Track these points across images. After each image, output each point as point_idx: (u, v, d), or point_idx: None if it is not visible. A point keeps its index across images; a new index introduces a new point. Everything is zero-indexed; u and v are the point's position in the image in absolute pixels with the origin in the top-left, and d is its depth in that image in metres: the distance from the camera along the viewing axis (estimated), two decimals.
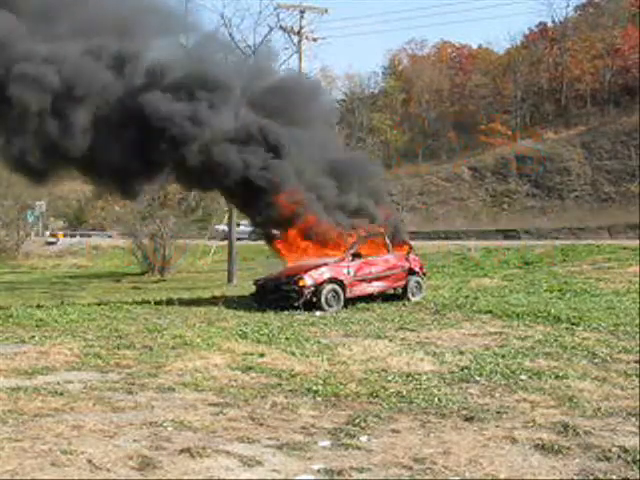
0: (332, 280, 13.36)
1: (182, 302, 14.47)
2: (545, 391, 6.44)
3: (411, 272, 14.80)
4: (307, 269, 13.53)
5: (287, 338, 9.47)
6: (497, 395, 6.36)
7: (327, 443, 4.98)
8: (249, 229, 27.97)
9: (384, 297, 14.29)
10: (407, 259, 15.02)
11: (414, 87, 58.80)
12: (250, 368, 7.54)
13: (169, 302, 14.26)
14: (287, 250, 15.10)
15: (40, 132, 13.31)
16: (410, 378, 7.00)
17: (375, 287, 14.21)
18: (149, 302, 14.22)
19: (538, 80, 53.53)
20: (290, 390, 6.59)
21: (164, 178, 16.50)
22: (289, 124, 15.00)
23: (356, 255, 14.14)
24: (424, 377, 7.03)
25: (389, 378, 7.02)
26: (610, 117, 47.53)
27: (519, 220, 40.84)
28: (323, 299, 13.08)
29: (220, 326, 10.70)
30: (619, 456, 4.63)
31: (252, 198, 14.89)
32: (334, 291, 13.30)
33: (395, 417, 5.67)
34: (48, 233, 46.04)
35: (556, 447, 4.81)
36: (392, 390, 6.49)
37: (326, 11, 27.11)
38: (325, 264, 13.79)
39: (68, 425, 5.33)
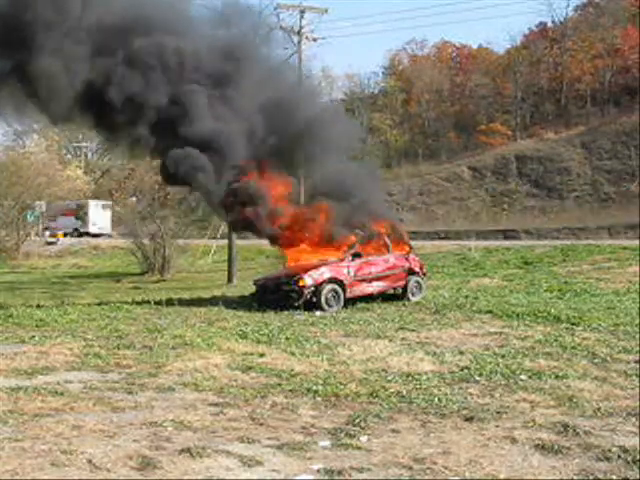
0: (332, 280, 13.36)
1: (182, 302, 14.47)
2: (545, 391, 6.44)
3: (411, 272, 14.80)
4: (307, 269, 13.54)
5: (287, 338, 9.47)
6: (497, 395, 6.36)
7: (327, 443, 4.99)
8: None
9: (384, 297, 14.29)
10: (407, 259, 15.02)
11: (414, 87, 58.74)
12: (250, 368, 7.54)
13: (169, 302, 14.25)
14: (292, 249, 15.06)
15: None
16: (410, 378, 7.00)
17: (375, 287, 14.21)
18: (149, 302, 14.22)
19: (538, 80, 53.50)
20: (290, 390, 6.60)
21: None
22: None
23: (356, 255, 14.14)
24: (424, 377, 7.03)
25: (389, 378, 7.02)
26: (610, 117, 47.49)
27: (519, 220, 40.81)
28: (323, 299, 13.08)
29: (220, 326, 10.70)
30: (619, 456, 4.63)
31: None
32: (334, 291, 13.30)
33: (395, 417, 5.67)
34: (48, 233, 46.02)
35: (556, 447, 4.82)
36: (392, 390, 6.49)
37: (326, 11, 27.10)
38: (325, 264, 13.80)
39: (68, 425, 5.34)
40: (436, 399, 6.16)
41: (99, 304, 14.42)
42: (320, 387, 6.63)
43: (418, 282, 14.91)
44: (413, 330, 10.25)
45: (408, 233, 17.80)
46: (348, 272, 13.72)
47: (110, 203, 44.45)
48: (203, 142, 13.71)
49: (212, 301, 14.55)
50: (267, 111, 14.39)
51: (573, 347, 8.61)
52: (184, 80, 13.90)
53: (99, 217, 44.89)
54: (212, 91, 14.13)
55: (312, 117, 14.60)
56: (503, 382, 6.85)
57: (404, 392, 6.42)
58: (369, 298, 13.97)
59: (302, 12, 26.25)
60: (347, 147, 15.98)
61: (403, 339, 9.44)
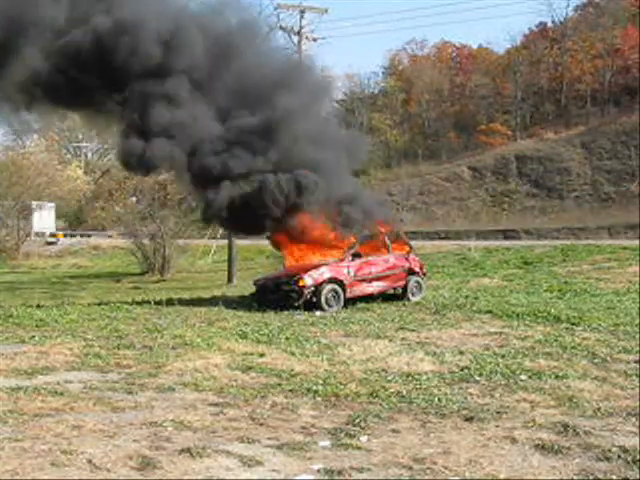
0: (332, 280, 13.36)
1: (182, 302, 14.48)
2: (545, 391, 6.44)
3: (411, 272, 14.80)
4: (307, 269, 13.54)
5: (287, 338, 9.47)
6: (497, 395, 6.36)
7: (327, 443, 4.98)
8: None
9: (384, 297, 14.29)
10: (407, 259, 15.02)
11: (414, 87, 58.71)
12: (250, 368, 7.54)
13: (169, 302, 14.25)
14: (290, 246, 14.99)
15: None
16: (410, 378, 7.00)
17: (375, 287, 14.21)
18: (149, 302, 14.21)
19: (538, 80, 53.47)
20: (290, 390, 6.59)
21: None
22: None
23: (356, 255, 14.14)
24: (424, 377, 7.03)
25: (389, 378, 7.02)
26: (610, 117, 47.47)
27: (519, 220, 40.82)
28: (323, 299, 13.08)
29: (220, 326, 10.70)
30: (619, 456, 4.63)
31: None
32: (334, 291, 13.30)
33: (395, 417, 5.67)
34: (48, 233, 46.07)
35: (556, 447, 4.81)
36: (392, 390, 6.49)
37: (326, 11, 27.10)
38: (325, 264, 13.80)
39: (68, 425, 5.33)
40: (436, 399, 6.16)
41: (99, 304, 14.41)
42: (320, 387, 6.62)
43: (418, 282, 14.91)
44: (413, 330, 10.25)
45: (407, 233, 17.78)
46: (348, 272, 13.72)
47: (53, 204, 46.73)
48: (171, 130, 13.83)
49: (212, 301, 14.55)
50: (244, 100, 14.44)
51: (573, 347, 8.61)
52: (166, 69, 13.88)
53: (42, 217, 45.83)
54: (192, 80, 14.13)
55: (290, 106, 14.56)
56: (503, 382, 6.84)
57: (404, 392, 6.42)
58: (369, 298, 13.96)
59: (302, 12, 26.26)
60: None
61: (403, 339, 9.44)
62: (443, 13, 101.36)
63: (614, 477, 4.31)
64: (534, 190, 45.41)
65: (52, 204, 46.53)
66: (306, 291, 13.08)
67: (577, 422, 5.40)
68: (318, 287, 13.14)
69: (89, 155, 61.61)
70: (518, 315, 11.37)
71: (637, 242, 24.14)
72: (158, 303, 13.91)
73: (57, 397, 6.23)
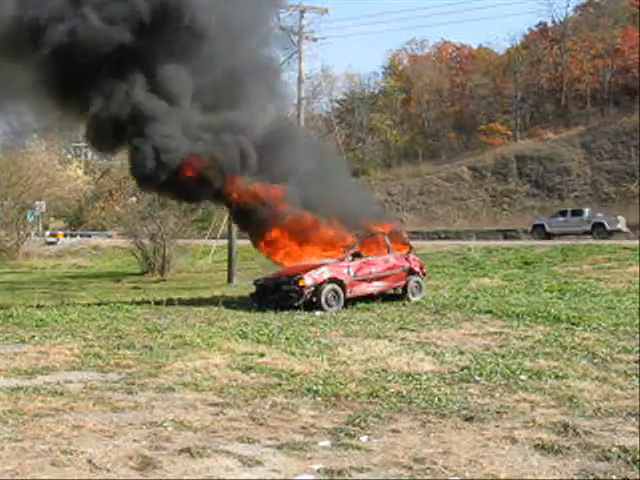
0: (332, 280, 13.36)
1: (182, 302, 14.48)
2: (545, 391, 6.44)
3: (411, 272, 14.79)
4: (307, 269, 13.54)
5: (287, 338, 9.47)
6: (497, 395, 6.36)
7: (327, 443, 4.98)
8: None
9: (384, 297, 14.29)
10: (407, 259, 15.02)
11: (414, 87, 58.77)
12: (250, 368, 7.54)
13: (169, 302, 14.26)
14: (275, 250, 15.02)
15: None
16: (410, 378, 7.00)
17: (375, 287, 14.20)
18: (149, 302, 14.22)
19: (538, 80, 53.53)
20: (290, 390, 6.59)
21: None
22: None
23: (356, 255, 14.13)
24: (424, 377, 7.03)
25: (389, 378, 7.02)
26: (610, 117, 47.53)
27: (519, 220, 40.84)
28: (323, 299, 13.07)
29: (220, 326, 10.70)
30: (619, 456, 4.63)
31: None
32: (334, 291, 13.30)
33: (395, 417, 5.67)
34: (48, 233, 46.05)
35: (556, 447, 4.81)
36: (392, 390, 6.49)
37: (326, 11, 27.07)
38: (325, 264, 13.80)
39: (68, 425, 5.33)
40: (436, 399, 6.16)
41: (99, 304, 14.41)
42: (320, 387, 6.62)
43: (418, 282, 14.90)
44: (413, 330, 10.25)
45: (407, 233, 17.75)
46: (348, 272, 13.72)
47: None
48: None
49: (212, 301, 14.55)
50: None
51: (573, 347, 8.61)
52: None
53: None
54: None
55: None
56: (503, 382, 6.84)
57: (404, 392, 6.42)
58: (369, 298, 13.96)
59: (302, 12, 26.24)
60: None
61: (403, 339, 9.44)
62: (443, 13, 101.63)
63: (614, 477, 4.31)
64: (534, 190, 45.44)
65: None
66: (306, 291, 13.07)
67: (577, 422, 5.41)
68: (318, 287, 13.14)
69: (89, 155, 61.61)
70: (518, 315, 11.37)
71: (637, 242, 24.14)
72: (158, 303, 13.92)
73: (57, 397, 6.23)
